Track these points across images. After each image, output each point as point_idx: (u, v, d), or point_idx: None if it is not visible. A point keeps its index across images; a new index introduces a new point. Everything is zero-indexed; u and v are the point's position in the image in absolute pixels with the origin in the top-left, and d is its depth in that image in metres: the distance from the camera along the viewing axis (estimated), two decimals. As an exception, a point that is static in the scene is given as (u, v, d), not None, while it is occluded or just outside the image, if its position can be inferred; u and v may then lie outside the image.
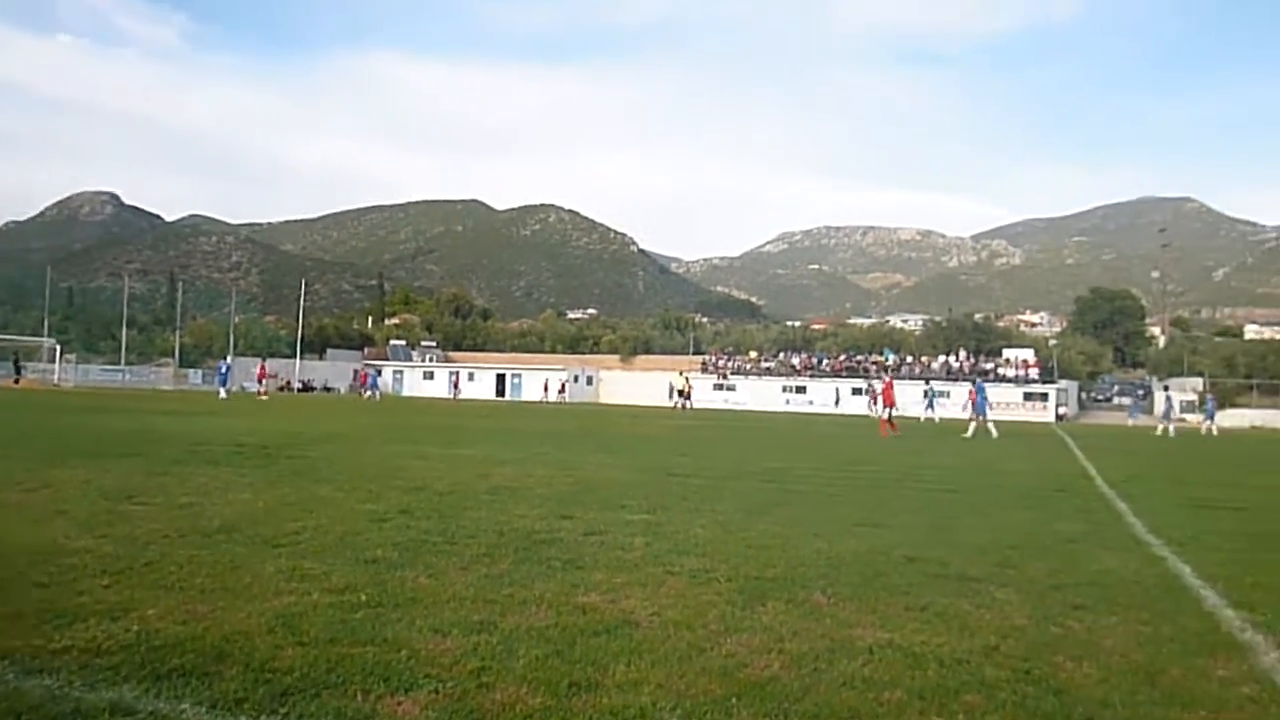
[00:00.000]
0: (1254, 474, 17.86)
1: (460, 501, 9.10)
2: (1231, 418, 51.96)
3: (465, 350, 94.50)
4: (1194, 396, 58.21)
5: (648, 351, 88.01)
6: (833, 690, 3.79)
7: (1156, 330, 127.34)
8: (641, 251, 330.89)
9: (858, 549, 7.02)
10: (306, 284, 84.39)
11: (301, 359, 72.71)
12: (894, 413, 28.98)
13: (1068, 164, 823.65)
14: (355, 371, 72.05)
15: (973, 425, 28.98)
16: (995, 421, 29.92)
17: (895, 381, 33.01)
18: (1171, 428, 36.51)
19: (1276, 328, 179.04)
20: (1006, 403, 52.92)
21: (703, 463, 15.45)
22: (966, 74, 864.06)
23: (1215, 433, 37.73)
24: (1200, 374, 70.14)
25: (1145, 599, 5.61)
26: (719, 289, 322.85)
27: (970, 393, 44.10)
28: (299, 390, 66.74)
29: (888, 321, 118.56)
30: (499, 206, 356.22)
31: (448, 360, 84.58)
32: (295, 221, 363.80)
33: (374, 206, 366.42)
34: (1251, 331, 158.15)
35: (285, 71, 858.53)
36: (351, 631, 4.34)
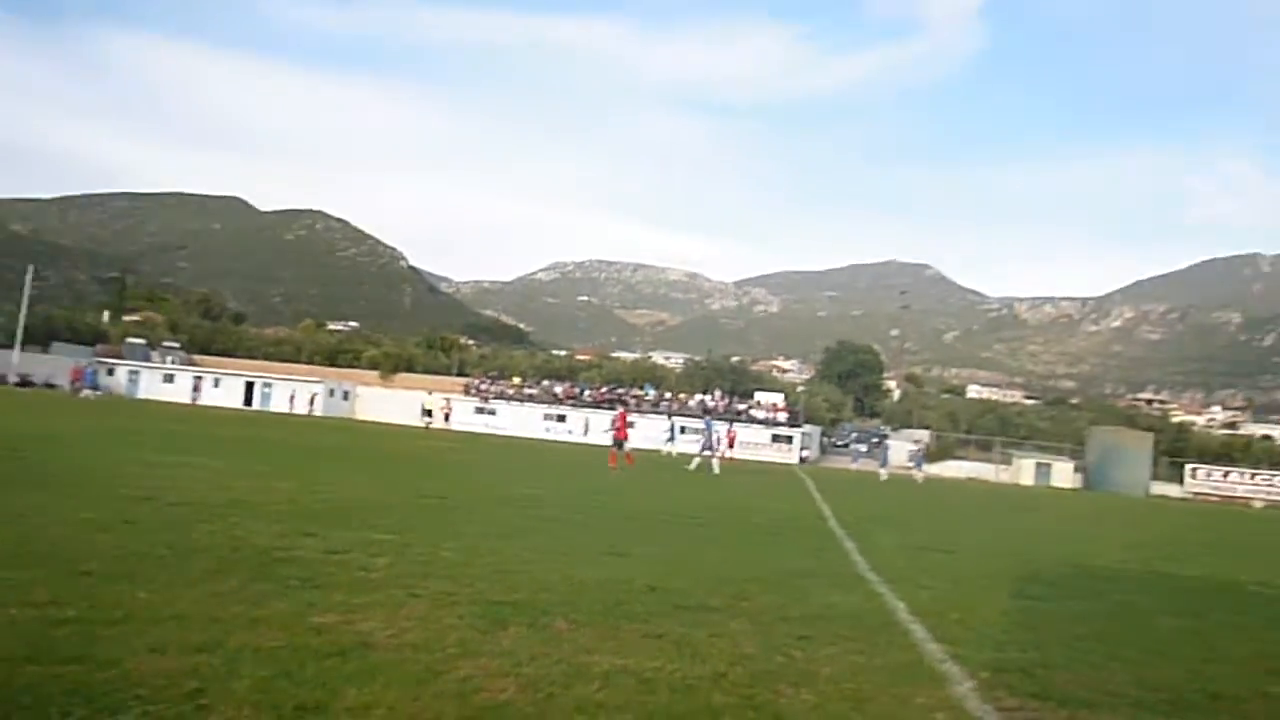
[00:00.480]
0: (963, 519, 19.59)
1: (193, 514, 8.55)
2: (950, 468, 56.80)
3: (214, 355, 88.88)
4: (920, 447, 63.22)
5: (409, 370, 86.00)
6: (565, 715, 3.84)
7: (893, 384, 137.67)
8: (411, 268, 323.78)
9: (602, 577, 7.15)
10: (35, 269, 76.90)
11: (22, 351, 66.11)
12: (627, 445, 28.50)
13: (827, 223, 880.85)
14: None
15: (716, 461, 30.28)
16: (707, 457, 30.60)
17: (636, 415, 33.71)
18: (885, 473, 39.33)
19: (994, 389, 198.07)
20: (756, 443, 55.52)
21: (456, 485, 15.27)
22: (744, 129, 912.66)
23: (924, 480, 40.73)
24: (927, 427, 76.37)
25: (862, 632, 6.02)
26: (488, 312, 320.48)
27: (730, 432, 46.22)
28: (17, 384, 60.61)
29: (650, 357, 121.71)
30: (262, 207, 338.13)
31: (192, 363, 79.36)
32: (25, 200, 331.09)
33: (121, 193, 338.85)
34: (973, 391, 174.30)
35: (22, 36, 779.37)
36: (54, 649, 3.98)
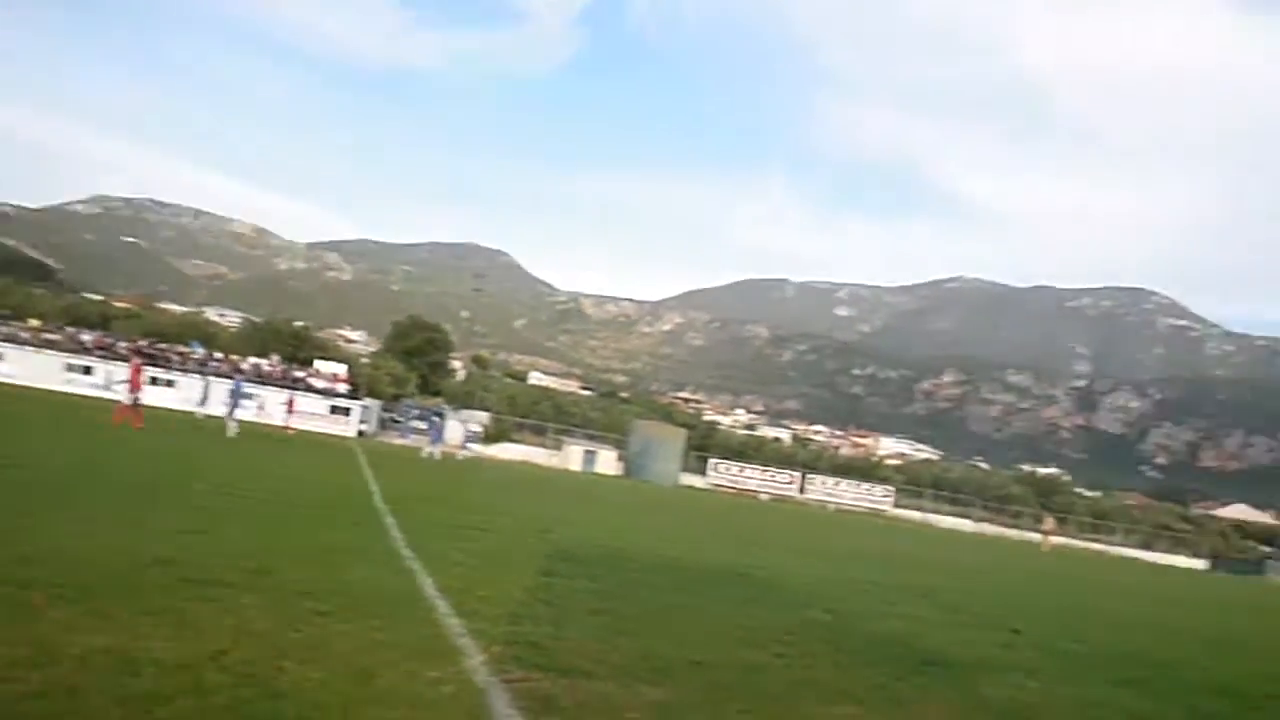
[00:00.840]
0: (506, 500, 20.25)
1: None
2: (505, 451, 58.58)
3: None
4: (479, 428, 64.62)
5: (-109, 299, 72.16)
6: (23, 701, 3.39)
7: (458, 364, 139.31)
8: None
9: (105, 546, 6.45)
10: None
11: None
12: (137, 398, 26.91)
13: (409, 197, 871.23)
14: None
15: (234, 424, 29.14)
16: (229, 420, 29.87)
17: (180, 374, 31.36)
18: (438, 451, 39.74)
19: (554, 377, 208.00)
20: (314, 413, 53.45)
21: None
22: (331, 88, 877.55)
23: (471, 459, 41.39)
24: (487, 408, 78.18)
25: (386, 608, 5.97)
26: (7, 241, 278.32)
27: (289, 400, 43.88)
28: None
29: (203, 312, 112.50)
30: None
31: None
32: None
33: None
34: (535, 378, 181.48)
35: None
36: None
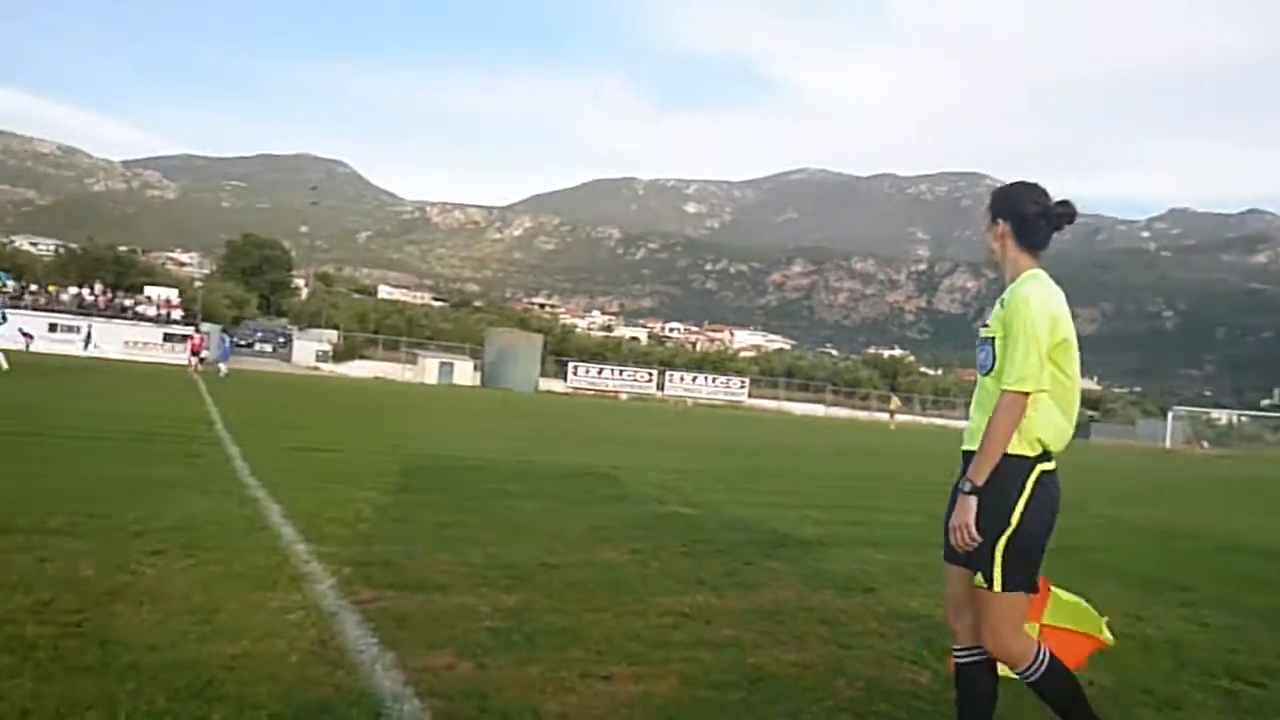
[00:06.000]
0: (356, 419, 19.81)
1: None
2: (358, 368, 57.27)
3: None
4: (329, 346, 62.96)
5: None
6: None
7: (301, 282, 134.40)
8: None
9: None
10: None
11: None
12: None
13: (234, 108, 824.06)
14: None
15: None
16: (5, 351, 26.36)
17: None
18: (224, 369, 38.48)
19: (404, 290, 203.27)
20: (145, 342, 50.88)
21: None
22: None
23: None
24: (336, 326, 75.98)
25: (226, 539, 5.75)
26: None
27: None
28: None
29: (12, 242, 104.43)
30: None
31: None
32: None
33: None
34: (384, 291, 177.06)
35: None
36: None
